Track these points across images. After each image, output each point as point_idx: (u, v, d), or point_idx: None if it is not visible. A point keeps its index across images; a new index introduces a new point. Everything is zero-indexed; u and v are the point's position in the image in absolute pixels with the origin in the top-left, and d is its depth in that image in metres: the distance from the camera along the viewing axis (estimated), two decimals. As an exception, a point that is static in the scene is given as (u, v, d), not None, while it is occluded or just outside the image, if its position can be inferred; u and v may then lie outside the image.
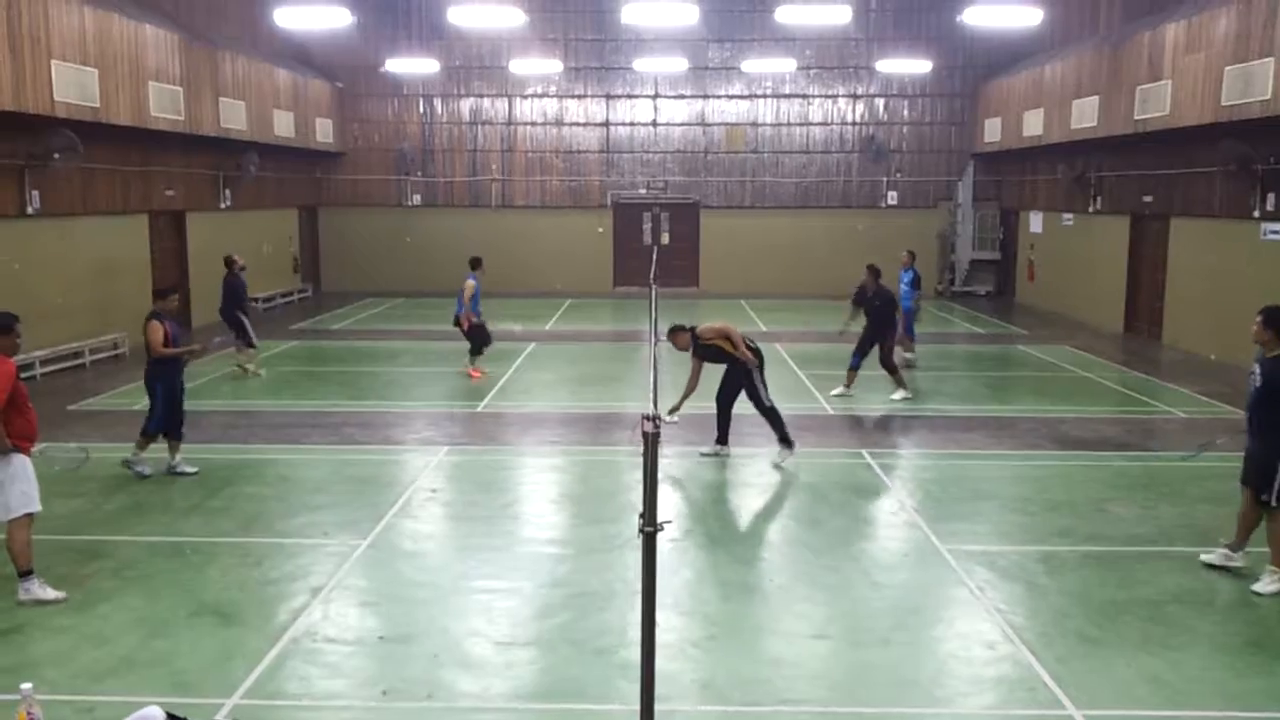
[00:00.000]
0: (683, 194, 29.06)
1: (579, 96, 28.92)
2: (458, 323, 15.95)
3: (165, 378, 10.44)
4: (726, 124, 28.98)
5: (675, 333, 11.47)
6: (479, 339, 16.07)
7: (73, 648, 6.53)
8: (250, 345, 16.19)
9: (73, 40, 15.40)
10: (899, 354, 15.34)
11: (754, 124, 28.96)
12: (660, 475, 3.95)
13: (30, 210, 15.90)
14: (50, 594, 7.22)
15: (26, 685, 4.75)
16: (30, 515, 7.27)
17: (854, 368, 14.63)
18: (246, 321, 16.04)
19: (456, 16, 19.29)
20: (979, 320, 23.64)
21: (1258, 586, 7.49)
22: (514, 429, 12.80)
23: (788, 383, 15.73)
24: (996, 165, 28.41)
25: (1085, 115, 20.69)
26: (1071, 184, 23.24)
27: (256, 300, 23.96)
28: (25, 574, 7.23)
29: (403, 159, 28.70)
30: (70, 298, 16.80)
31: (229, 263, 16.32)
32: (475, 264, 16.16)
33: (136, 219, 19.37)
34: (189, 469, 10.49)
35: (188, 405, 10.93)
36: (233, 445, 11.70)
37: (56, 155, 15.70)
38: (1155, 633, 6.83)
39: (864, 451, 11.58)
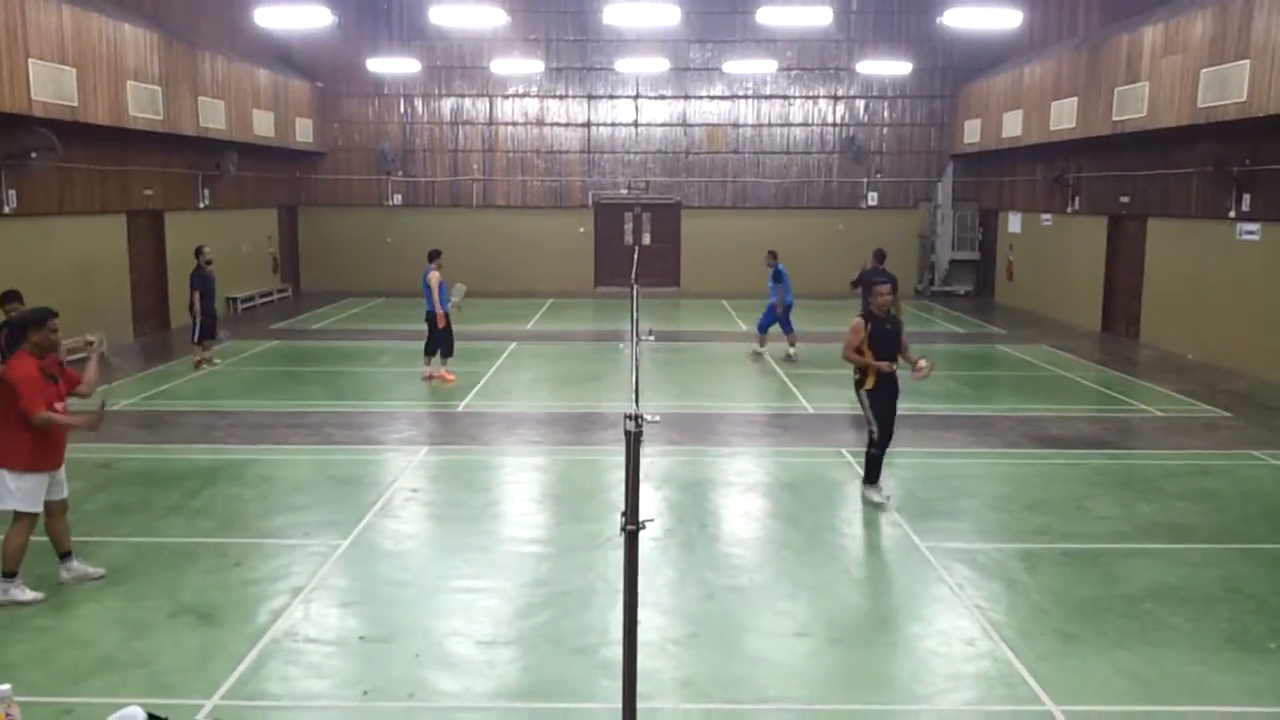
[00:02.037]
0: (664, 194, 29.08)
1: (560, 97, 28.91)
2: (431, 319, 15.25)
3: None
4: (708, 124, 29.03)
5: (885, 293, 9.66)
6: (449, 339, 15.47)
7: (52, 649, 6.48)
8: (195, 341, 16.39)
9: (50, 39, 15.28)
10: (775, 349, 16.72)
11: (735, 125, 29.02)
12: (642, 474, 3.97)
13: (7, 210, 15.77)
14: (27, 595, 7.19)
15: (5, 686, 4.74)
16: (29, 519, 7.24)
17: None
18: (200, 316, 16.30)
19: (438, 16, 19.27)
20: (958, 320, 23.76)
21: None
22: (495, 428, 12.78)
23: (769, 382, 15.80)
24: (976, 166, 28.57)
25: (1064, 116, 20.83)
26: (1050, 185, 23.38)
27: (235, 300, 23.95)
28: (7, 575, 7.20)
29: (383, 159, 28.61)
30: (47, 298, 16.57)
31: (197, 253, 16.58)
32: (434, 255, 15.54)
33: (114, 219, 19.24)
34: None
35: (165, 406, 10.86)
36: (212, 445, 11.64)
37: (34, 154, 15.57)
38: (1133, 629, 6.89)
39: (844, 450, 11.62)
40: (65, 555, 7.58)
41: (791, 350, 17.58)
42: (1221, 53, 15.20)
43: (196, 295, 16.25)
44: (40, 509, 7.33)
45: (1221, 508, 9.57)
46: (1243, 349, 16.50)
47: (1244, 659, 6.47)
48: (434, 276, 15.28)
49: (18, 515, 7.23)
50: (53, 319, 7.40)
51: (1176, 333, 18.54)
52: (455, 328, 15.75)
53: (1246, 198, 16.37)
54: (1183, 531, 8.89)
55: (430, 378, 15.43)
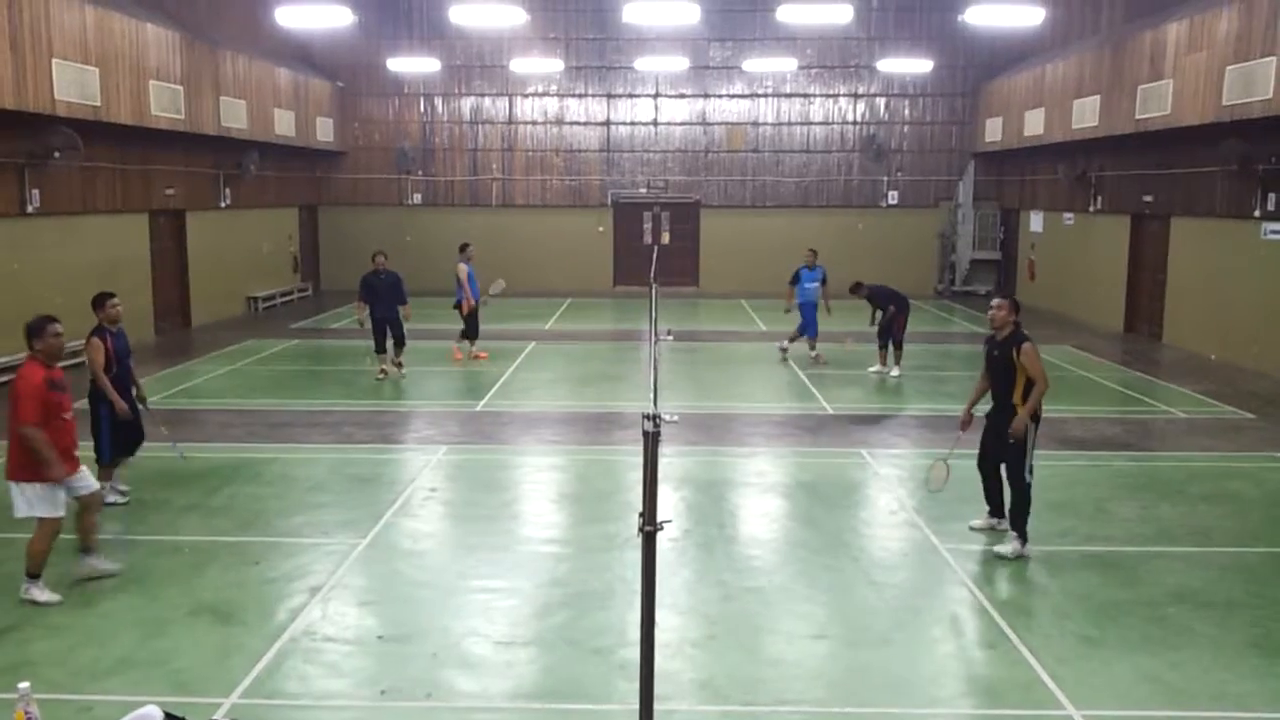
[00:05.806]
0: (683, 193, 29.04)
1: (580, 95, 28.90)
2: (459, 307, 17.08)
3: (109, 399, 9.11)
4: (727, 123, 28.96)
5: (1009, 308, 8.45)
6: (475, 324, 17.21)
7: (71, 647, 6.52)
8: (380, 349, 15.88)
9: (74, 38, 15.39)
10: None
11: (755, 123, 28.94)
12: (660, 475, 3.95)
13: (30, 209, 15.89)
14: (46, 596, 7.18)
15: (24, 684, 4.75)
16: (51, 523, 7.19)
17: (898, 345, 16.21)
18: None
19: (458, 15, 19.30)
20: (979, 320, 23.60)
21: None
22: (513, 428, 12.79)
23: (789, 382, 15.75)
24: (997, 165, 28.40)
25: (1086, 115, 20.67)
26: (1072, 183, 23.23)
27: (256, 299, 24.06)
28: (30, 576, 7.23)
29: (403, 158, 28.67)
30: (70, 297, 16.74)
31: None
32: (464, 248, 17.47)
33: (136, 218, 19.36)
34: (118, 498, 9.36)
35: (184, 404, 10.89)
36: (232, 444, 11.69)
37: (57, 154, 15.68)
38: (1155, 633, 6.82)
39: (863, 451, 11.57)
40: (85, 550, 7.56)
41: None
42: (1247, 50, 15.04)
43: (406, 308, 16.01)
44: (60, 513, 7.24)
45: (1245, 510, 9.48)
46: (1267, 350, 16.33)
47: (1268, 664, 6.40)
48: (461, 269, 17.04)
49: (40, 520, 7.17)
50: (53, 324, 7.22)
51: (1199, 333, 18.37)
52: (483, 324, 17.59)
53: (1272, 196, 16.20)
54: (1205, 534, 8.80)
55: (460, 358, 17.07)
